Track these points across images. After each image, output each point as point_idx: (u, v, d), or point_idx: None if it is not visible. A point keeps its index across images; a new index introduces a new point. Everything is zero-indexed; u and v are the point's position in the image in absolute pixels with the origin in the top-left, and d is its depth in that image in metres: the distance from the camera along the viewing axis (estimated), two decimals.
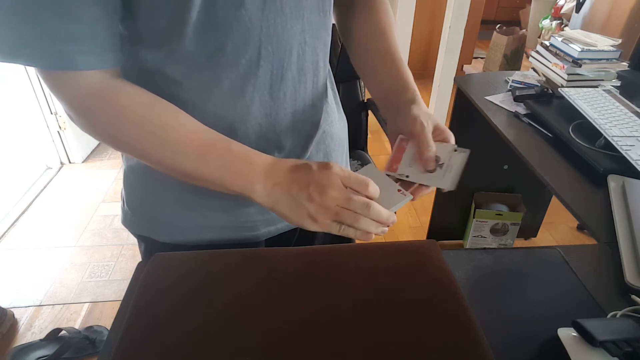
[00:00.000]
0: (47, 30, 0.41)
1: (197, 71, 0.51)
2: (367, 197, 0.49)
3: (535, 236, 1.99)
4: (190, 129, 0.50)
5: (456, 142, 0.58)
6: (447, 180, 0.54)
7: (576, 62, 1.24)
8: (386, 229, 0.50)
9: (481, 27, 3.62)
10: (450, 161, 0.55)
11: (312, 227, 0.49)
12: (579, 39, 1.29)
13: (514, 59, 3.48)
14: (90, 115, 0.48)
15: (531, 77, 1.39)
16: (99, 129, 0.49)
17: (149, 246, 0.66)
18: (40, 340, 1.40)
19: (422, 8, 3.33)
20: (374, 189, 0.49)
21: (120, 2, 0.44)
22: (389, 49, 0.64)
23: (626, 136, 0.95)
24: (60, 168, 2.39)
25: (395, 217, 0.50)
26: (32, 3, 0.40)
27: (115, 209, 2.09)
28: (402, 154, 0.58)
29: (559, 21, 3.35)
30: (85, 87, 0.46)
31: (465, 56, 3.61)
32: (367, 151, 1.65)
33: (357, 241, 0.52)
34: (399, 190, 0.53)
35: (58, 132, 2.32)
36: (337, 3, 0.65)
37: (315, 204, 0.47)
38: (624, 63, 1.26)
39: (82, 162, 2.45)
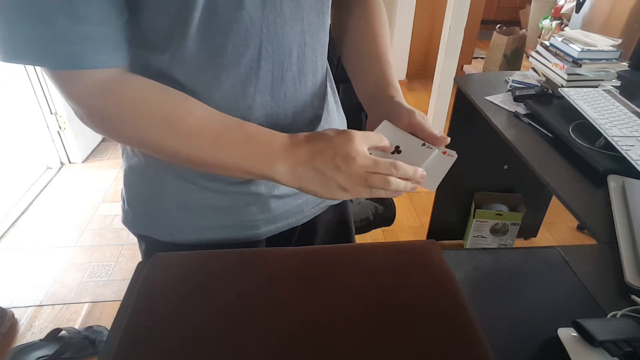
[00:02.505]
0: (57, 30, 0.41)
1: (199, 72, 0.51)
2: (385, 150, 0.51)
3: (535, 236, 1.99)
4: (204, 115, 0.49)
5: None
6: (431, 181, 0.53)
7: (576, 62, 1.24)
8: (416, 185, 0.51)
9: (481, 27, 3.63)
10: (437, 162, 0.54)
11: (343, 196, 0.50)
12: (579, 39, 1.30)
13: (514, 59, 3.48)
14: (102, 112, 0.48)
15: (531, 77, 1.39)
16: (112, 126, 0.49)
17: (150, 246, 0.66)
18: (40, 340, 1.40)
19: (422, 8, 3.33)
20: (386, 140, 0.51)
21: (125, 4, 0.44)
22: (379, 52, 0.64)
23: (626, 136, 0.95)
24: (60, 168, 2.39)
25: (424, 172, 0.51)
26: (40, 3, 0.40)
27: (115, 209, 2.09)
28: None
29: (559, 21, 3.35)
30: (95, 85, 0.45)
31: (465, 56, 3.62)
32: None
33: (357, 241, 0.52)
34: (423, 145, 0.53)
35: (58, 132, 2.33)
36: (334, 3, 0.65)
37: (344, 174, 0.47)
38: (624, 63, 1.26)
39: (82, 162, 2.45)
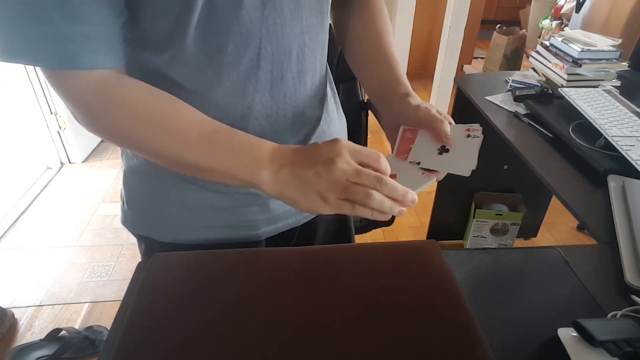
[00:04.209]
0: (54, 30, 0.41)
1: (199, 72, 0.51)
2: (379, 172, 0.46)
3: (535, 236, 1.99)
4: (194, 120, 0.49)
5: None
6: (463, 165, 0.51)
7: (576, 62, 1.24)
8: (404, 209, 0.46)
9: (481, 27, 3.62)
10: (463, 145, 0.53)
11: (323, 208, 0.46)
12: (579, 39, 1.29)
13: (514, 59, 3.48)
14: (95, 112, 0.48)
15: (531, 77, 1.39)
16: (104, 126, 0.49)
17: (149, 246, 0.66)
18: (40, 340, 1.40)
19: (422, 8, 3.33)
20: (385, 163, 0.47)
21: (125, 4, 0.44)
22: (383, 47, 0.64)
23: (626, 136, 0.95)
24: (60, 168, 2.39)
25: (416, 196, 0.47)
26: (39, 3, 0.40)
27: (115, 209, 2.09)
28: (409, 144, 0.56)
29: (559, 21, 3.35)
30: (90, 85, 0.46)
31: (465, 56, 3.61)
32: None
33: (357, 241, 0.52)
34: (422, 174, 0.52)
35: (58, 132, 2.32)
36: (334, 3, 0.65)
37: (324, 180, 0.44)
38: (624, 63, 1.26)
39: (82, 162, 2.45)
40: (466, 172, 0.51)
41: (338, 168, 0.44)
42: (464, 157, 0.52)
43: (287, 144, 0.50)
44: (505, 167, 1.73)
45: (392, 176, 0.49)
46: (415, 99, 0.57)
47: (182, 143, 0.48)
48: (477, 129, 0.53)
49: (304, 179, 0.46)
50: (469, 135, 0.53)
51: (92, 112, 0.48)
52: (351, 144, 0.47)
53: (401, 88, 0.59)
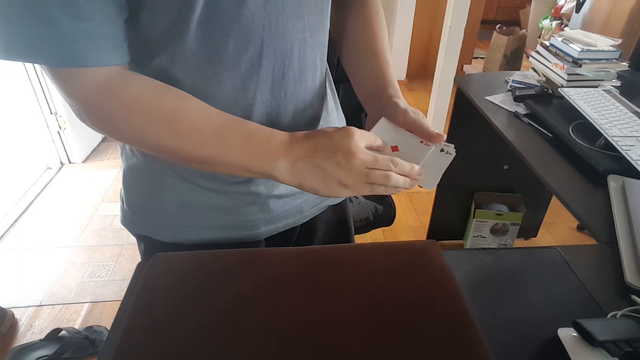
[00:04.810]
0: (58, 27, 0.41)
1: (200, 70, 0.51)
2: (380, 149, 0.51)
3: (535, 236, 1.99)
4: (203, 113, 0.49)
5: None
6: (429, 179, 0.54)
7: (576, 62, 1.24)
8: (414, 182, 0.52)
9: (481, 27, 3.62)
10: (434, 160, 0.55)
11: (343, 193, 0.50)
12: (579, 39, 1.29)
13: (514, 59, 3.48)
14: (101, 111, 0.47)
15: (531, 77, 1.39)
16: (112, 124, 0.49)
17: (149, 246, 0.66)
18: (40, 340, 1.40)
19: (422, 8, 3.33)
20: (379, 141, 0.52)
21: (126, 2, 0.44)
22: (377, 49, 0.65)
23: (626, 136, 0.95)
24: (60, 168, 2.39)
25: (421, 168, 0.52)
26: (42, 1, 0.39)
27: (115, 209, 2.09)
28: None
29: (559, 21, 3.35)
30: (95, 83, 0.45)
31: (465, 56, 3.62)
32: None
33: (357, 241, 0.52)
34: (421, 142, 0.54)
35: (58, 132, 2.32)
36: (333, 3, 0.66)
37: (345, 170, 0.48)
38: (624, 63, 1.26)
39: (82, 162, 2.45)
40: (429, 186, 0.54)
41: (358, 159, 0.48)
42: (432, 169, 0.54)
43: (297, 132, 0.51)
44: (505, 167, 1.73)
45: (394, 148, 0.54)
46: (404, 102, 0.58)
47: (191, 140, 0.49)
48: (450, 146, 0.55)
49: (324, 169, 0.48)
50: (442, 150, 0.55)
51: (97, 110, 0.47)
52: (359, 131, 0.50)
53: (390, 89, 0.60)
